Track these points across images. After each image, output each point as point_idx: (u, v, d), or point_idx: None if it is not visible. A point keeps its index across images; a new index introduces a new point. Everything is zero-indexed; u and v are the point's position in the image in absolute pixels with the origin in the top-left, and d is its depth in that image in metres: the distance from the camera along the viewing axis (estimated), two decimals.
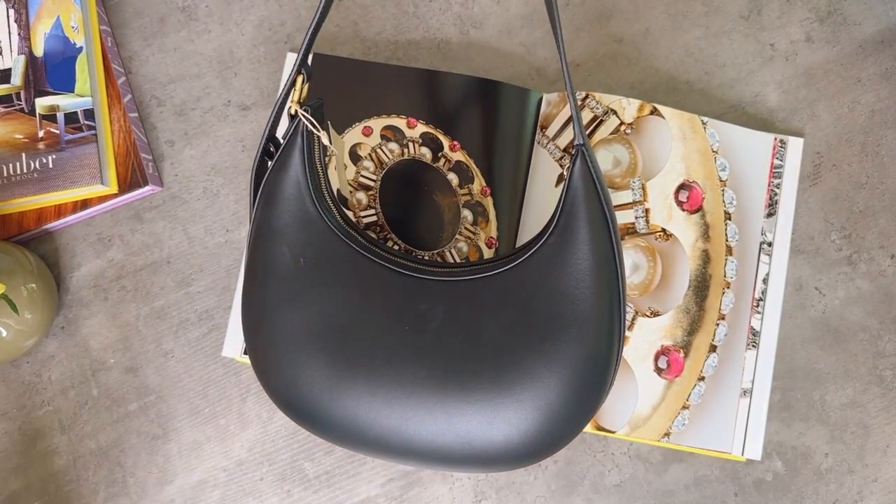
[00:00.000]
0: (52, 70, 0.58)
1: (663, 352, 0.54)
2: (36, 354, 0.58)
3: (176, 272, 0.59)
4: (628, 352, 0.54)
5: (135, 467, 0.57)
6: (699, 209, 0.55)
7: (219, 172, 0.59)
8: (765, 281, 0.55)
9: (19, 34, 0.59)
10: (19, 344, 0.55)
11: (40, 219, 0.58)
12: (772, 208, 0.56)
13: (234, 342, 0.56)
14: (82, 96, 0.57)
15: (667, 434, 0.53)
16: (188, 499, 0.56)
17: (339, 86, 0.57)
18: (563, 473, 0.55)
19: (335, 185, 0.54)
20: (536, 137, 0.56)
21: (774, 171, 0.56)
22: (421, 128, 0.56)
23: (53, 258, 0.59)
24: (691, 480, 0.54)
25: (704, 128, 0.55)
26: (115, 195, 0.57)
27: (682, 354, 0.54)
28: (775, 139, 0.56)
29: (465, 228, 0.55)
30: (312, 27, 0.43)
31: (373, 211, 0.55)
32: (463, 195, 0.55)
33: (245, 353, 0.56)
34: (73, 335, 0.58)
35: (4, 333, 0.54)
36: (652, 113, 0.55)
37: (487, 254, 0.55)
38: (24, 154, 0.56)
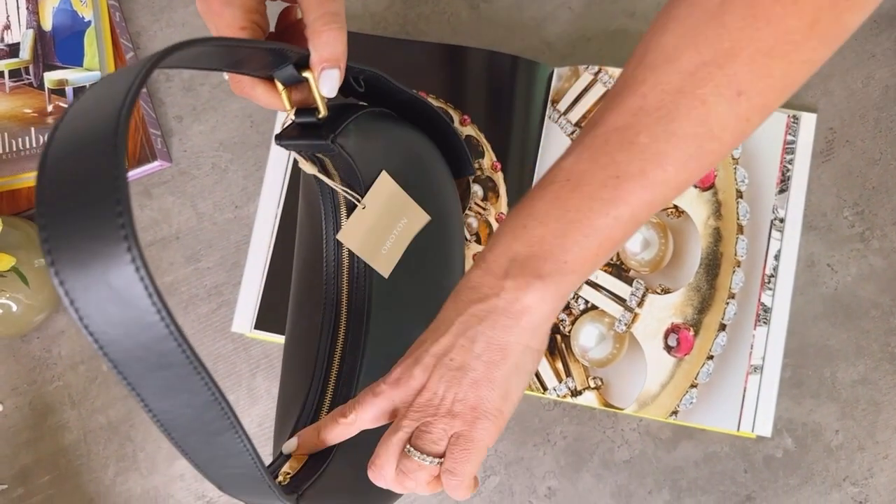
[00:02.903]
0: (60, 44, 0.58)
1: (673, 329, 0.54)
2: (46, 330, 0.58)
3: (185, 248, 0.59)
4: (638, 329, 0.53)
5: (145, 442, 0.57)
6: (712, 186, 0.55)
7: (227, 148, 0.59)
8: (776, 257, 0.55)
9: (28, 8, 0.58)
10: (29, 319, 0.55)
11: None
12: (784, 184, 0.55)
13: (243, 318, 0.56)
14: (91, 70, 0.57)
15: (674, 412, 0.53)
16: (198, 474, 0.56)
17: (349, 61, 0.57)
18: (573, 449, 0.55)
19: None
20: (547, 112, 0.55)
21: (787, 146, 0.56)
22: (431, 102, 0.56)
23: None
24: (701, 457, 0.54)
25: None
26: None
27: (692, 333, 0.54)
28: (788, 116, 0.56)
29: (476, 204, 0.55)
30: None
31: None
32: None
33: (255, 328, 0.56)
34: None
35: (14, 308, 0.54)
36: None
37: None
38: (33, 128, 0.56)
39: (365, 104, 0.42)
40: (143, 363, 0.22)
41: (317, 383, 0.41)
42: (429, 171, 0.47)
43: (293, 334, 0.46)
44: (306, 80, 0.36)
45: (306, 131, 0.38)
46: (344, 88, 0.39)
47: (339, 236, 0.41)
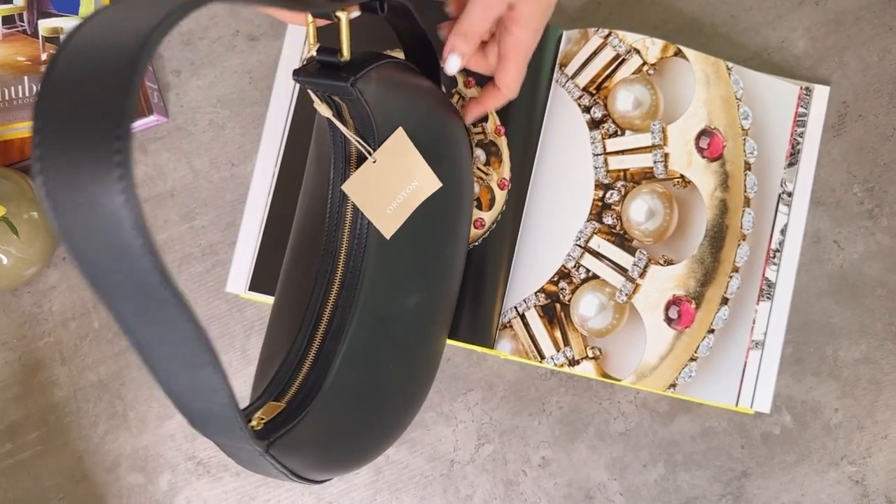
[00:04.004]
0: None
1: (675, 301, 0.53)
2: (37, 284, 0.57)
3: (180, 206, 0.57)
4: (639, 300, 0.52)
5: (135, 401, 0.56)
6: (720, 157, 0.53)
7: (225, 104, 0.58)
8: (783, 232, 0.54)
9: None
10: (20, 272, 0.54)
11: None
12: (793, 158, 0.54)
13: (238, 278, 0.55)
14: None
15: (673, 385, 0.52)
16: (188, 433, 0.55)
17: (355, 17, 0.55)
18: (568, 420, 0.54)
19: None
20: (555, 76, 0.54)
21: (798, 119, 0.54)
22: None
23: None
24: (698, 431, 0.54)
25: (729, 74, 0.53)
26: None
27: (693, 305, 0.53)
28: (801, 88, 0.54)
29: (478, 168, 0.53)
30: None
31: None
32: (476, 134, 0.54)
33: (249, 289, 0.55)
34: (74, 266, 0.57)
35: (5, 261, 0.53)
36: (676, 55, 0.53)
37: (499, 196, 0.53)
38: (26, 77, 0.55)
39: (389, 55, 0.41)
40: (124, 290, 0.22)
41: (304, 332, 0.40)
42: (447, 136, 0.46)
43: (286, 283, 0.45)
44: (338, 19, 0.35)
45: (326, 71, 0.37)
46: (365, 7, 0.38)
47: (345, 187, 0.40)
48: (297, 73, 0.37)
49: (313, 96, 0.39)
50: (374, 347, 0.41)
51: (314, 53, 0.37)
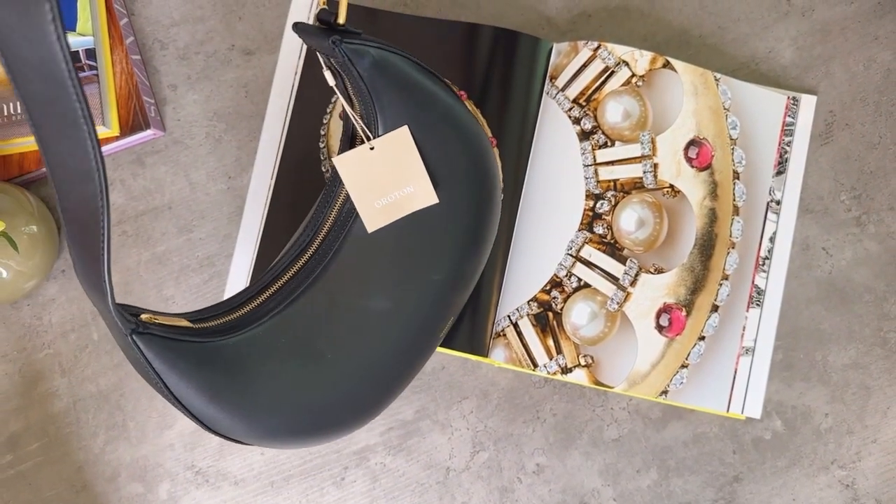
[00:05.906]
0: None
1: (665, 309, 0.54)
2: (36, 297, 0.58)
3: (177, 218, 0.58)
4: (630, 308, 0.53)
5: (135, 411, 0.57)
6: (708, 167, 0.54)
7: (221, 118, 0.59)
8: (771, 240, 0.54)
9: None
10: (19, 285, 0.55)
11: (42, 161, 0.57)
12: (781, 166, 0.55)
13: (235, 289, 0.56)
14: (84, 35, 0.56)
15: (664, 392, 0.53)
16: (188, 443, 0.56)
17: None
18: (562, 426, 0.55)
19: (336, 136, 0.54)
20: (545, 88, 0.55)
21: (786, 128, 0.55)
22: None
23: (54, 201, 0.59)
24: (690, 437, 0.54)
25: (717, 84, 0.54)
26: (117, 138, 0.57)
27: (684, 313, 0.54)
28: (788, 98, 0.55)
29: None
30: None
31: None
32: None
33: None
34: (73, 279, 0.58)
35: (5, 274, 0.54)
36: (664, 66, 0.54)
37: None
38: None
39: (410, 56, 0.41)
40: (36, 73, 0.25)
41: (260, 284, 0.42)
42: (473, 174, 0.44)
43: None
44: None
45: (320, 30, 0.38)
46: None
47: (335, 159, 0.40)
48: (296, 25, 0.39)
49: (322, 62, 0.40)
50: (316, 327, 0.41)
51: (325, 6, 0.39)
